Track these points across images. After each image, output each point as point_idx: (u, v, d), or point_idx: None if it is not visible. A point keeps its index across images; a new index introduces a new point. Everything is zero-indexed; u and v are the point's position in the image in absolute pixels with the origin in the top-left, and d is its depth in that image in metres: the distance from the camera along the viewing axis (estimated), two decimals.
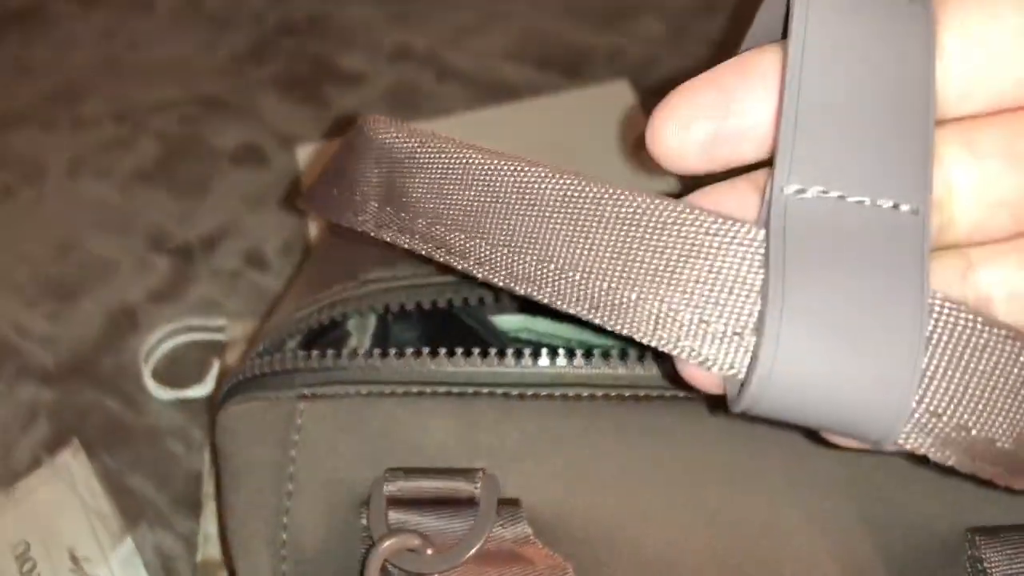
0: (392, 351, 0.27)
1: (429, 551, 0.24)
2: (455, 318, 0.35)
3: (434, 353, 0.27)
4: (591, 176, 0.20)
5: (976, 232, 0.20)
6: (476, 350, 0.27)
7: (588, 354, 0.26)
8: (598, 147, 0.53)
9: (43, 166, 0.57)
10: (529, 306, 0.37)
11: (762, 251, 0.18)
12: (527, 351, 0.26)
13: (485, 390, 0.26)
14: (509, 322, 0.37)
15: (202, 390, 0.45)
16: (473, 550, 0.24)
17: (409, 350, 0.27)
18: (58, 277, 0.51)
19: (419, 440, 0.26)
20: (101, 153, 0.58)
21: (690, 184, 0.23)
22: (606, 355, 0.26)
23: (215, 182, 0.56)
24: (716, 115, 0.20)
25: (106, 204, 0.55)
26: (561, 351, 0.26)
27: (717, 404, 0.23)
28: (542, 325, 0.37)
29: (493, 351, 0.27)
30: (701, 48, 0.62)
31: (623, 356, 0.26)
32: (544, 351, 0.26)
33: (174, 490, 0.42)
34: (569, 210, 0.20)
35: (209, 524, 0.39)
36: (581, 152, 0.52)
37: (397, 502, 0.25)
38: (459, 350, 0.27)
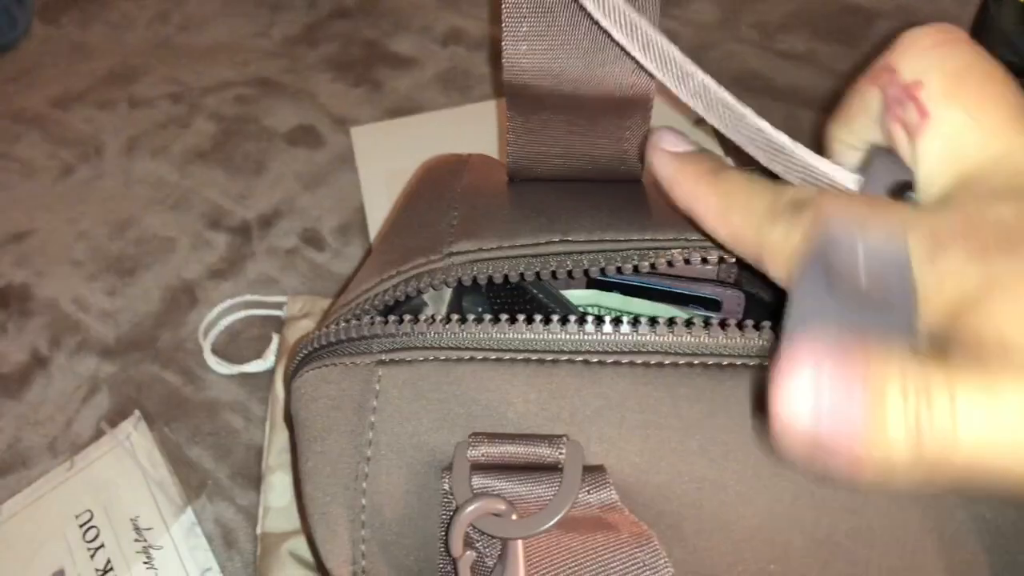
0: (471, 317, 0.27)
1: (514, 516, 0.24)
2: (525, 290, 0.35)
3: (513, 320, 0.26)
4: None
5: None
6: (555, 317, 0.26)
7: (671, 322, 0.26)
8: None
9: (101, 144, 0.58)
10: (598, 282, 0.37)
11: None
12: (608, 318, 0.26)
13: (565, 357, 0.26)
14: (578, 296, 0.36)
15: (261, 365, 0.45)
16: (560, 515, 0.24)
17: (487, 317, 0.27)
18: (117, 253, 0.51)
19: (500, 406, 0.26)
20: (157, 132, 0.58)
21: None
22: (689, 323, 0.26)
23: (271, 162, 0.56)
24: None
25: (163, 182, 0.55)
26: (643, 318, 0.26)
27: None
28: (611, 300, 0.36)
29: (573, 318, 0.26)
30: (753, 33, 0.61)
31: (706, 324, 0.26)
32: (625, 319, 0.26)
33: (234, 463, 0.42)
34: None
35: (270, 497, 0.40)
36: None
37: (480, 467, 0.25)
38: (538, 317, 0.26)
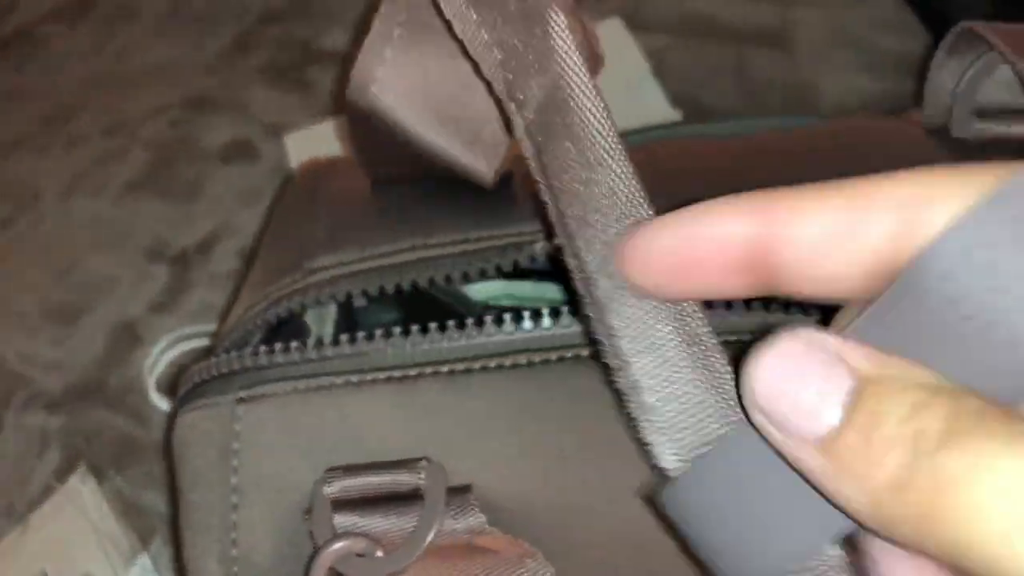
0: (327, 341, 0.25)
1: (379, 553, 0.22)
2: (425, 294, 0.33)
3: (370, 336, 0.24)
4: None
5: None
6: (414, 327, 0.24)
7: (556, 312, 0.24)
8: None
9: (39, 191, 0.57)
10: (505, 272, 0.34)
11: None
12: (469, 320, 0.24)
13: (430, 370, 0.24)
14: (487, 289, 0.34)
15: None
16: (423, 545, 0.22)
17: (344, 337, 0.25)
18: (59, 301, 0.50)
19: (360, 434, 0.24)
20: (94, 169, 0.57)
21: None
22: (556, 313, 0.24)
23: (207, 183, 0.54)
24: None
25: (102, 220, 0.54)
26: (508, 316, 0.24)
27: None
28: (523, 289, 0.34)
29: (433, 326, 0.24)
30: None
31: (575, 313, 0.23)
32: (488, 318, 0.24)
33: None
34: None
35: None
36: None
37: (342, 503, 0.23)
38: (397, 330, 0.24)
